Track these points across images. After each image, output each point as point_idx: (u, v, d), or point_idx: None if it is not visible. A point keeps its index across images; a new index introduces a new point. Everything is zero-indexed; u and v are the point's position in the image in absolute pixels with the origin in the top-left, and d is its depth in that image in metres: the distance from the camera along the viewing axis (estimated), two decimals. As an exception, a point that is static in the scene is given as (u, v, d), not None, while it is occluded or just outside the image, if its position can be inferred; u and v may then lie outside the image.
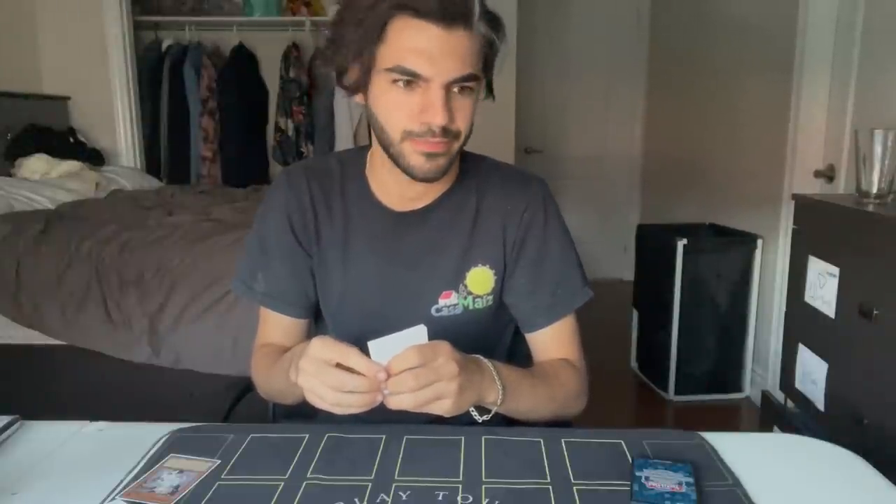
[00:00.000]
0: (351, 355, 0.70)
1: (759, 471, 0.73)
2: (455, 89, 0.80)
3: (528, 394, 0.86)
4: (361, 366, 0.70)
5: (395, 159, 0.85)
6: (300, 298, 0.98)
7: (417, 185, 0.88)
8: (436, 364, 0.71)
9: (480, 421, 0.82)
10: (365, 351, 0.71)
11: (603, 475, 0.71)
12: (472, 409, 0.79)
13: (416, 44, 0.78)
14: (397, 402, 0.70)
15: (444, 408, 0.72)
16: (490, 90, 0.90)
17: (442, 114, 0.79)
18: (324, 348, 0.71)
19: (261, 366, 0.98)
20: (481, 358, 0.81)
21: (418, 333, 0.72)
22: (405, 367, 0.70)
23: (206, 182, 3.74)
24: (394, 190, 0.93)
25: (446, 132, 0.81)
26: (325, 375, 0.70)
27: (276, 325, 0.99)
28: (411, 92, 0.80)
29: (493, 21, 0.82)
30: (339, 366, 0.71)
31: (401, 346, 0.71)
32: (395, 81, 0.80)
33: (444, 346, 0.73)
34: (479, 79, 0.83)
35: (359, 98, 0.86)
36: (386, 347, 0.71)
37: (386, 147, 0.85)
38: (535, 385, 0.88)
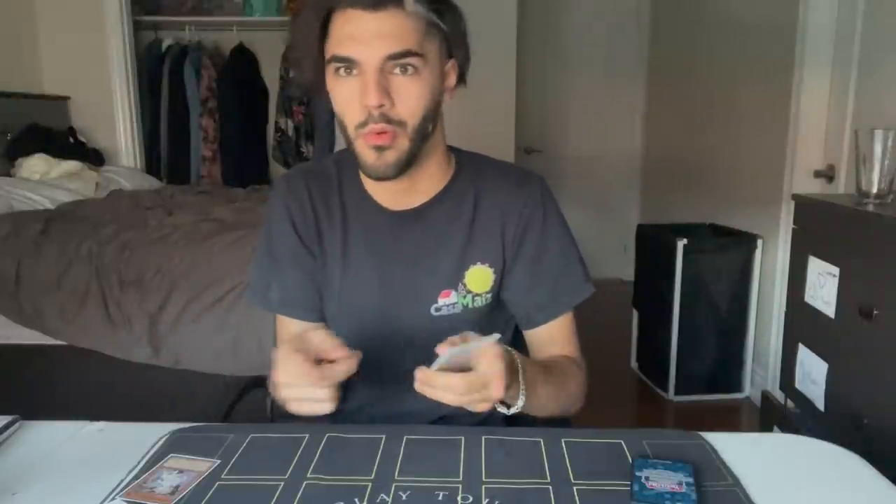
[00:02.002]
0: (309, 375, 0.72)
1: (759, 471, 0.73)
2: (396, 71, 0.80)
3: (543, 391, 0.86)
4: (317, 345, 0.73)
5: (356, 157, 0.86)
6: (315, 302, 0.98)
7: (403, 181, 0.88)
8: (479, 394, 0.71)
9: (504, 412, 0.82)
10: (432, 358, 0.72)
11: (603, 475, 0.71)
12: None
13: (348, 31, 0.80)
14: (438, 395, 0.71)
15: (475, 409, 0.74)
16: (462, 77, 0.90)
17: (374, 94, 0.79)
18: (288, 361, 0.73)
19: None
20: (516, 356, 0.81)
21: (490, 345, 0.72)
22: (449, 387, 0.71)
23: (206, 182, 3.74)
24: (385, 188, 0.93)
25: (388, 119, 0.81)
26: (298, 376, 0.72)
27: (294, 333, 0.97)
28: (352, 80, 0.81)
29: (435, 0, 0.82)
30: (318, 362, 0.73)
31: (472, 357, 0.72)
32: (336, 71, 0.82)
33: (496, 375, 0.71)
34: (421, 56, 0.81)
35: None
36: (459, 359, 0.72)
37: (348, 145, 0.87)
38: (547, 381, 0.88)
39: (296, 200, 0.96)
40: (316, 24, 0.82)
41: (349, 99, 0.82)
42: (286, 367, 0.72)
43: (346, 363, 0.73)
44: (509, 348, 0.82)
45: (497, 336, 0.73)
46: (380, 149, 0.83)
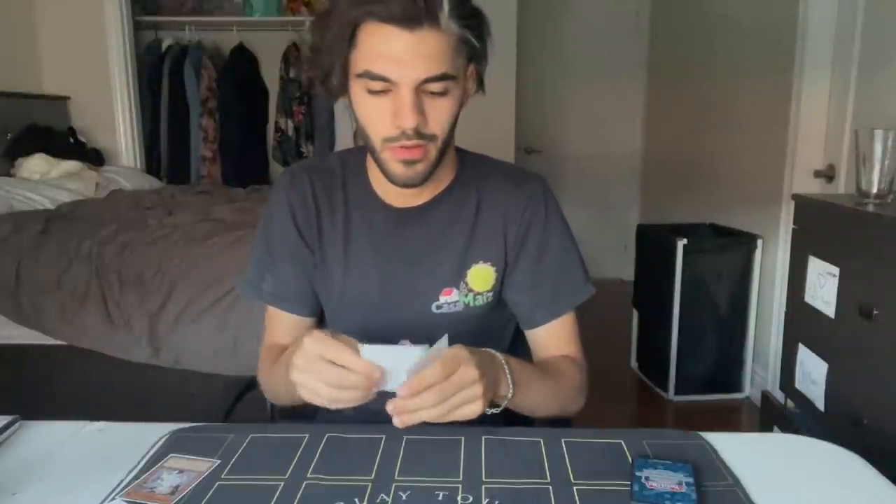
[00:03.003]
0: (344, 353, 0.71)
1: (759, 471, 0.73)
2: (428, 90, 0.80)
3: (536, 388, 0.87)
4: (355, 365, 0.70)
5: (379, 165, 0.87)
6: (307, 297, 0.99)
7: None
8: (456, 375, 0.71)
9: (489, 413, 0.82)
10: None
11: (603, 475, 0.71)
12: None
13: (383, 48, 0.78)
14: (423, 417, 0.70)
15: (471, 412, 0.72)
16: (481, 84, 0.90)
17: (411, 116, 0.79)
18: (317, 344, 0.72)
19: (266, 367, 0.98)
20: (493, 351, 0.82)
21: (411, 352, 0.71)
22: (429, 384, 0.69)
23: (206, 182, 3.74)
24: (391, 186, 0.93)
25: (421, 135, 0.81)
26: (320, 371, 0.71)
27: (284, 325, 0.99)
28: (384, 96, 0.80)
29: (467, 15, 0.81)
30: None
31: (393, 357, 0.71)
32: (367, 87, 0.80)
33: (462, 353, 0.73)
34: (455, 78, 0.81)
35: (345, 99, 0.86)
36: (378, 355, 0.71)
37: (371, 152, 0.87)
38: (542, 380, 0.89)
39: (298, 195, 0.97)
40: (346, 32, 0.80)
41: (379, 113, 0.81)
42: (308, 354, 0.72)
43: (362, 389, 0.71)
44: (492, 350, 0.82)
45: (444, 337, 0.72)
46: (410, 162, 0.83)
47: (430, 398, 0.69)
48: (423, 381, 0.69)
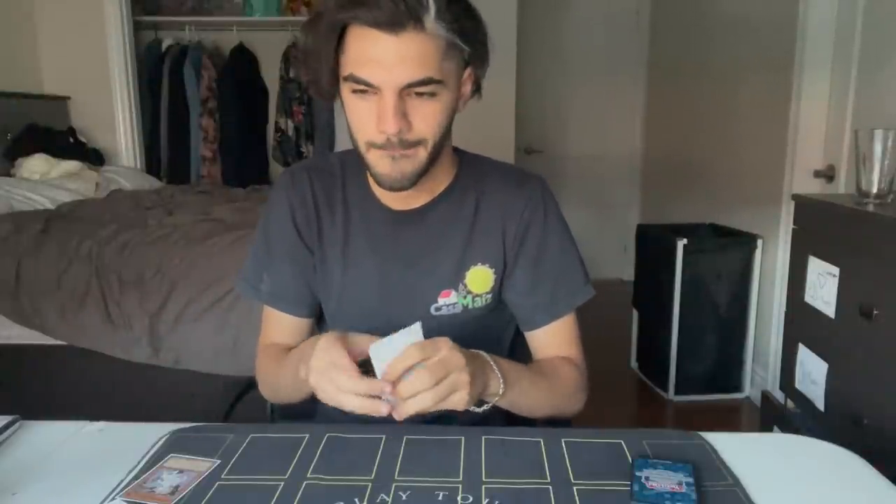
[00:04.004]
0: (350, 377, 0.72)
1: (759, 471, 0.73)
2: (413, 94, 0.79)
3: (528, 386, 0.87)
4: (360, 388, 0.71)
5: (367, 168, 0.87)
6: (305, 298, 0.99)
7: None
8: (442, 357, 0.72)
9: (480, 411, 0.81)
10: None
11: (603, 475, 0.71)
12: None
13: (368, 52, 0.78)
14: (417, 404, 0.71)
15: (460, 399, 0.73)
16: (477, 88, 0.89)
17: (393, 121, 0.78)
18: (329, 351, 0.73)
19: (267, 366, 0.98)
20: (478, 351, 0.82)
21: (415, 331, 0.72)
22: (408, 364, 0.71)
23: (206, 182, 3.74)
24: None
25: (404, 142, 0.81)
26: (333, 375, 0.72)
27: (281, 325, 1.00)
28: (369, 100, 0.80)
29: (456, 19, 0.79)
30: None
31: (400, 346, 0.72)
32: (353, 90, 0.81)
33: (445, 341, 0.74)
34: (442, 82, 0.80)
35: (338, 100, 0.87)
36: (386, 350, 0.71)
37: (359, 157, 0.87)
38: (534, 379, 0.89)
39: (298, 195, 0.97)
40: (334, 36, 0.80)
41: (366, 117, 0.81)
42: (325, 358, 0.73)
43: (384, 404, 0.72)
44: (476, 350, 0.82)
45: (418, 323, 0.73)
46: (396, 158, 0.83)
47: (424, 378, 0.70)
48: (401, 363, 0.70)
